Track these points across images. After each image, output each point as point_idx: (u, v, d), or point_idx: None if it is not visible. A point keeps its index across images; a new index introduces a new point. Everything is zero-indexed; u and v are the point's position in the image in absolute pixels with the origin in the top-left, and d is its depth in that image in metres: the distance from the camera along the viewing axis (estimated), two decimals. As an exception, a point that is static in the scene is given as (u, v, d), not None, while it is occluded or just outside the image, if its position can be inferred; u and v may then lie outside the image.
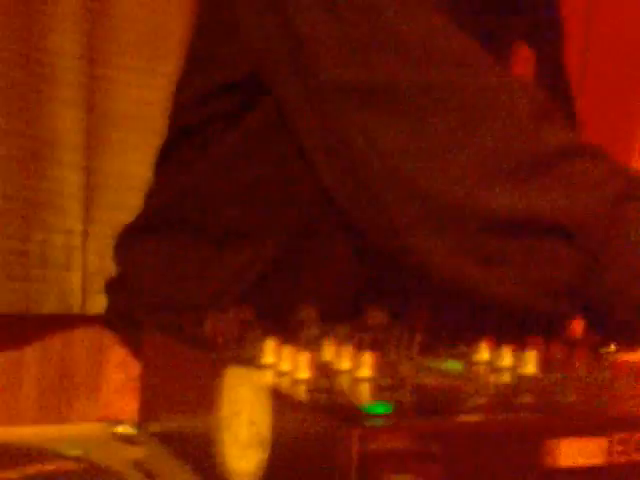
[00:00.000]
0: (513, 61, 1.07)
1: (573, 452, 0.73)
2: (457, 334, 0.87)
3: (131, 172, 1.81)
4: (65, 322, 1.82)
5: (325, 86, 0.93)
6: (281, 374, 0.76)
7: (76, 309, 1.81)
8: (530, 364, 0.82)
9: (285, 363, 0.77)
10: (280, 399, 0.72)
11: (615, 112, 1.79)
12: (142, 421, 0.92)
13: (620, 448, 0.75)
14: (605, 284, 0.90)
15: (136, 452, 0.86)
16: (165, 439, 0.88)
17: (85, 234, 1.81)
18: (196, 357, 0.85)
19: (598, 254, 0.89)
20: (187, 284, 1.05)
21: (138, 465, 0.83)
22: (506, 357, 0.84)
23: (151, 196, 1.13)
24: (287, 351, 0.77)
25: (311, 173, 1.00)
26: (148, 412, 0.92)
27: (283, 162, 1.03)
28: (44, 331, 1.80)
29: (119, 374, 1.10)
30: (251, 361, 0.79)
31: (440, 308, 0.92)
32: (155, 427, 0.90)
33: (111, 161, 1.84)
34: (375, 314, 0.93)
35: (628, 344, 0.85)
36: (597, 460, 0.74)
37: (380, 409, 0.71)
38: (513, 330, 0.83)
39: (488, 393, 0.76)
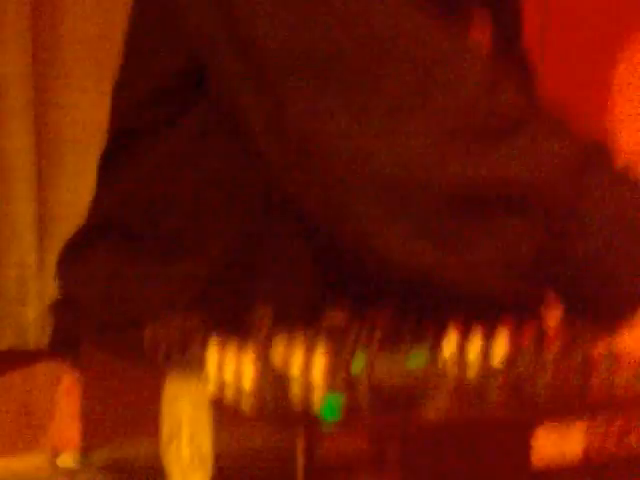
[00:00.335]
0: (471, 29, 1.01)
1: (546, 449, 0.66)
2: (421, 326, 0.80)
3: (86, 198, 1.73)
4: (24, 356, 1.74)
5: (266, 62, 0.86)
6: (224, 384, 0.68)
7: (32, 344, 1.72)
8: (499, 354, 0.75)
9: (229, 372, 0.70)
10: (221, 411, 0.65)
11: (574, 82, 1.74)
12: (86, 449, 0.84)
13: (599, 439, 0.68)
14: (573, 258, 0.83)
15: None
16: (109, 468, 0.80)
17: (40, 265, 1.74)
18: (137, 375, 0.78)
19: (565, 226, 0.82)
20: (131, 299, 0.97)
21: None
22: (473, 348, 0.77)
23: (91, 208, 1.06)
24: (231, 359, 0.69)
25: (257, 170, 0.93)
26: (92, 439, 0.84)
27: (226, 165, 0.96)
28: (3, 365, 1.72)
29: (69, 402, 1.02)
30: (192, 372, 0.71)
31: (402, 302, 0.84)
32: (99, 455, 0.83)
33: (65, 188, 1.77)
34: (334, 315, 0.86)
35: (598, 319, 0.78)
36: (574, 453, 0.67)
37: (330, 413, 0.63)
38: (481, 317, 0.76)
39: (452, 388, 0.69)
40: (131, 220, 0.99)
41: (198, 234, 0.96)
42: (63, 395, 1.03)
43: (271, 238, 0.95)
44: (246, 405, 0.64)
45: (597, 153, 0.86)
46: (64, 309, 1.06)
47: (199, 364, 0.71)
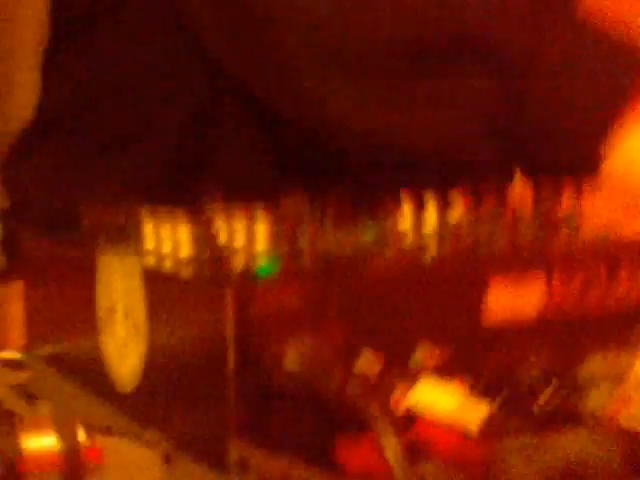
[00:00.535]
0: None
1: (504, 302, 0.62)
2: (376, 200, 0.76)
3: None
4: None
5: None
6: (162, 256, 0.64)
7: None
8: (455, 218, 0.71)
9: (167, 244, 0.65)
10: (155, 280, 0.61)
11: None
12: (30, 344, 0.80)
13: (560, 291, 0.64)
14: (531, 114, 0.78)
15: (19, 377, 0.74)
16: (52, 360, 0.76)
17: None
18: (75, 261, 0.73)
19: (522, 80, 0.77)
20: (77, 193, 0.93)
21: (20, 389, 0.71)
22: (429, 216, 0.73)
23: (37, 107, 1.01)
24: (168, 231, 0.65)
25: (201, 55, 0.88)
26: (36, 335, 0.80)
27: (169, 51, 0.90)
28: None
29: (18, 304, 0.98)
30: (128, 246, 0.67)
31: (357, 178, 0.80)
32: (44, 349, 0.79)
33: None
34: (289, 199, 0.81)
35: (560, 179, 0.73)
36: (533, 306, 0.63)
37: (267, 270, 0.59)
38: (437, 185, 0.72)
39: (400, 253, 0.65)
40: (75, 114, 0.94)
41: (145, 123, 0.91)
42: (14, 299, 0.99)
43: (220, 123, 0.90)
44: (184, 273, 0.60)
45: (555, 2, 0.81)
46: (11, 217, 1.01)
47: (135, 237, 0.66)
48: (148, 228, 0.66)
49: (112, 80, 0.93)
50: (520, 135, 0.80)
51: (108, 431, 0.61)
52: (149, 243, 0.66)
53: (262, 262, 0.59)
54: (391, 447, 0.46)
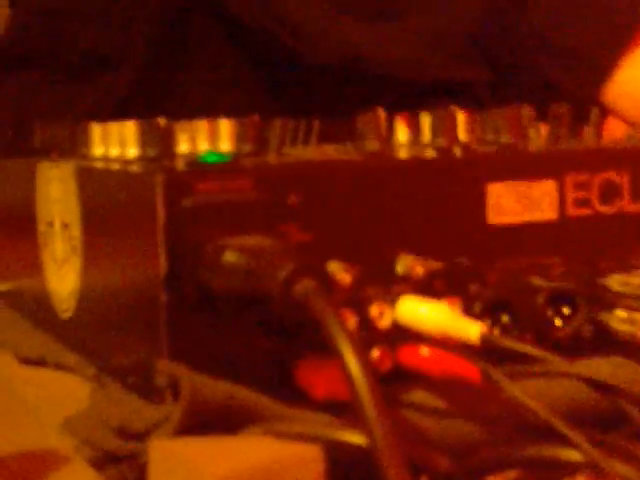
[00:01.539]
0: None
1: (507, 209, 0.51)
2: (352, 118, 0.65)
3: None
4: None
5: None
6: (110, 160, 0.54)
7: None
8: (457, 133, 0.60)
9: (114, 149, 0.55)
10: (90, 183, 0.50)
11: None
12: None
13: (575, 195, 0.53)
14: (522, 28, 0.68)
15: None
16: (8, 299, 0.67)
17: None
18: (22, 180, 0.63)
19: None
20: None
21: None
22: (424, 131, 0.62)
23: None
24: (116, 135, 0.55)
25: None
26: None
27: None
28: None
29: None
30: (75, 154, 0.57)
31: (334, 97, 0.69)
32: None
33: None
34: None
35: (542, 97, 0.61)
36: (543, 214, 0.52)
37: (216, 158, 0.49)
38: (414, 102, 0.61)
39: (379, 156, 0.54)
40: (38, 43, 0.85)
41: (114, 46, 0.81)
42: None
43: (188, 42, 0.80)
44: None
45: None
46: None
47: (83, 143, 0.56)
48: (96, 133, 0.56)
49: (75, 6, 0.84)
50: (509, 49, 0.69)
51: (42, 361, 0.51)
52: (97, 149, 0.56)
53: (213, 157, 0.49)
54: (349, 363, 0.35)
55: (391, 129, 0.59)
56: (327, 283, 0.43)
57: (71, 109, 0.81)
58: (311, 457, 0.33)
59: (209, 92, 0.79)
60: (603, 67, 0.72)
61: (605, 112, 0.73)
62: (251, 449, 0.35)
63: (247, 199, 0.43)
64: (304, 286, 0.37)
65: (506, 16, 0.71)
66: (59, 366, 0.49)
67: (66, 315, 0.52)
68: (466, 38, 0.72)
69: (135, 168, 0.46)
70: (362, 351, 0.36)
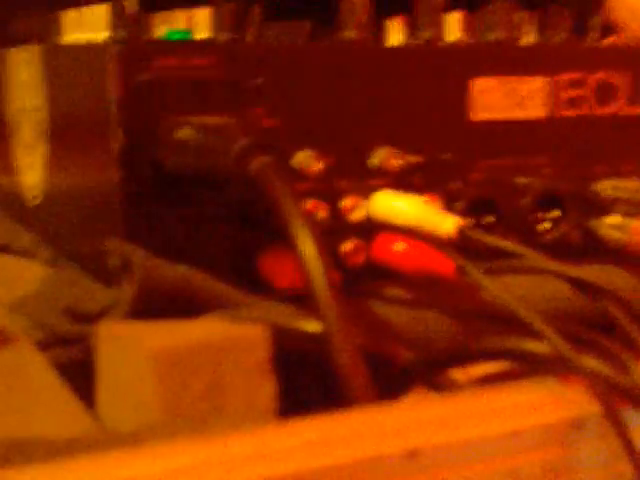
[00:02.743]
0: None
1: (493, 102, 0.47)
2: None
3: None
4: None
5: None
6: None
7: None
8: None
9: (86, 34, 0.52)
10: (55, 63, 0.47)
11: None
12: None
13: (568, 94, 0.49)
14: None
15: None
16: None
17: None
18: None
19: None
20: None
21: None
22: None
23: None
24: (87, 17, 0.52)
25: None
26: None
27: None
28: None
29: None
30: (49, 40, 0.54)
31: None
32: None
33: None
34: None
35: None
36: (531, 110, 0.48)
37: (179, 36, 0.46)
38: None
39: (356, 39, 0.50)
40: None
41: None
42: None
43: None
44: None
45: None
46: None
47: (55, 29, 0.53)
48: (69, 19, 0.53)
49: None
50: None
51: (5, 248, 0.48)
52: (70, 35, 0.52)
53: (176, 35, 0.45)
54: (306, 249, 0.32)
55: (379, 26, 0.55)
56: (290, 167, 0.41)
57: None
58: (257, 339, 0.31)
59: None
60: None
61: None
62: (196, 329, 0.32)
63: (209, 77, 0.39)
64: (258, 162, 0.34)
65: None
66: (18, 251, 0.47)
67: (34, 202, 0.49)
68: None
69: (93, 44, 0.43)
70: (316, 231, 0.33)
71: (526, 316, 0.34)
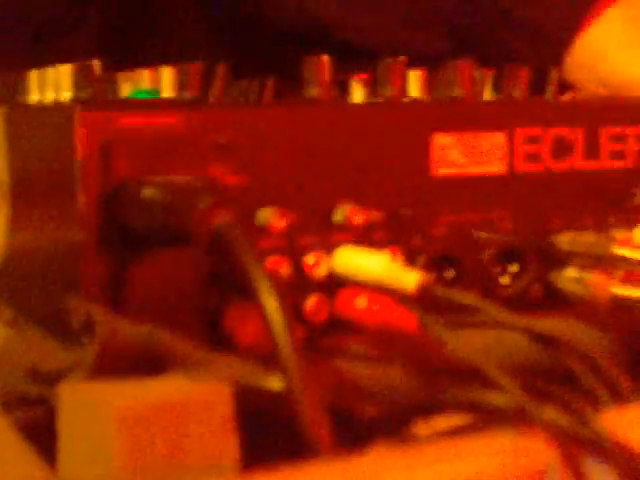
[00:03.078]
0: None
1: (453, 159, 0.48)
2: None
3: None
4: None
5: None
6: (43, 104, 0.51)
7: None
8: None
9: (50, 94, 0.52)
10: (18, 120, 0.48)
11: None
12: None
13: (525, 149, 0.50)
14: (483, 2, 0.66)
15: None
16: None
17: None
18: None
19: None
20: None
21: None
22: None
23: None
24: (51, 77, 0.52)
25: None
26: None
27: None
28: None
29: None
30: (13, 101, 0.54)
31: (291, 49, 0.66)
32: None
33: None
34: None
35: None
36: (491, 166, 0.49)
37: (144, 95, 0.46)
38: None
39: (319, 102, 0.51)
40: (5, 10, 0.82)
41: (70, 11, 0.78)
42: None
43: (156, 3, 0.77)
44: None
45: None
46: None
47: (20, 88, 0.53)
48: (33, 79, 0.53)
49: None
50: (470, 21, 0.67)
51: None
52: (34, 95, 0.53)
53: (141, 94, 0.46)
54: (269, 306, 0.33)
55: (344, 84, 0.56)
56: (253, 224, 0.41)
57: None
58: (219, 397, 0.31)
59: (170, 55, 0.76)
60: (564, 39, 0.70)
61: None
62: (160, 388, 0.32)
63: (173, 136, 0.40)
64: (221, 220, 0.35)
65: None
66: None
67: (-5, 265, 0.49)
68: (428, 8, 0.70)
69: (57, 104, 0.44)
70: (279, 289, 0.33)
71: (486, 369, 0.34)
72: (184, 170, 0.40)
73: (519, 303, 0.48)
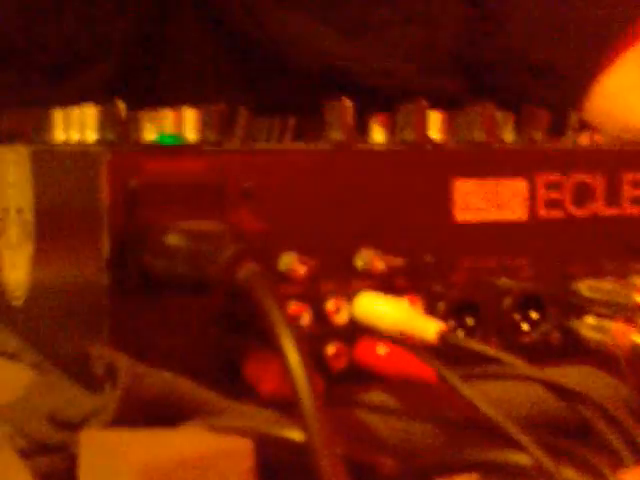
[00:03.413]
0: None
1: (474, 206, 0.48)
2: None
3: None
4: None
5: None
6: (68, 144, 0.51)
7: None
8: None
9: (74, 133, 0.53)
10: (43, 167, 0.48)
11: None
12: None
13: (547, 196, 0.50)
14: (500, 44, 0.66)
15: None
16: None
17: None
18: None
19: (486, 11, 0.65)
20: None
21: None
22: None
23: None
24: (76, 117, 0.53)
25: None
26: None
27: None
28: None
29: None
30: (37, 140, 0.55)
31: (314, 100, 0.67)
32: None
33: None
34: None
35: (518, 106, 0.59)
36: (517, 213, 0.49)
37: (169, 140, 0.47)
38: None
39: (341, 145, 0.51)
40: (17, 43, 0.82)
41: (91, 43, 0.79)
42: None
43: (174, 40, 0.77)
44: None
45: None
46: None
47: (44, 128, 0.54)
48: (58, 118, 0.54)
49: (49, 4, 0.81)
50: (488, 64, 0.67)
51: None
52: (58, 134, 0.53)
53: (166, 139, 0.46)
54: (292, 360, 0.33)
55: (363, 125, 0.57)
56: (275, 270, 0.41)
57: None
58: (240, 450, 0.31)
59: (188, 90, 0.77)
60: (583, 83, 0.70)
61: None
62: (180, 440, 0.32)
63: (198, 182, 0.40)
64: (246, 270, 0.35)
65: (485, 33, 0.69)
66: (4, 354, 0.47)
67: (17, 303, 0.50)
68: (445, 52, 0.70)
69: (84, 148, 0.44)
70: (302, 341, 0.33)
71: (505, 425, 0.34)
72: (208, 215, 0.40)
73: (539, 350, 0.48)
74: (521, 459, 0.32)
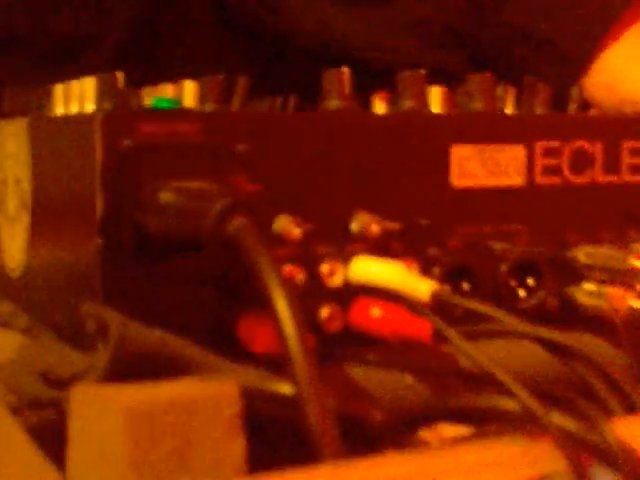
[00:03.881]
0: None
1: (471, 171, 0.48)
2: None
3: None
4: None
5: None
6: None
7: None
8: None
9: (74, 106, 0.53)
10: (40, 136, 0.48)
11: None
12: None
13: (545, 162, 0.50)
14: (501, 19, 0.66)
15: None
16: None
17: None
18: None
19: None
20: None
21: None
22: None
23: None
24: (76, 89, 0.53)
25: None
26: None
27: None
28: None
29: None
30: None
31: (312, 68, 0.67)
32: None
33: None
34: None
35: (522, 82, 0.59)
36: (515, 179, 0.49)
37: (164, 104, 0.47)
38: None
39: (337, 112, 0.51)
40: (21, 28, 0.82)
41: (93, 27, 0.79)
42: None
43: (175, 20, 0.78)
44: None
45: None
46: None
47: (45, 102, 0.54)
48: (58, 92, 0.54)
49: None
50: (489, 39, 0.67)
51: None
52: (58, 108, 0.54)
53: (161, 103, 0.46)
54: (280, 305, 0.33)
55: (365, 102, 0.57)
56: (270, 232, 0.41)
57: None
58: (227, 395, 0.31)
59: (188, 68, 0.77)
60: (583, 58, 0.70)
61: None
62: (167, 388, 0.32)
63: (192, 144, 0.40)
64: (237, 223, 0.35)
65: (485, 7, 0.69)
66: None
67: (15, 274, 0.50)
68: (446, 28, 0.70)
69: (79, 114, 0.44)
70: (292, 293, 0.33)
71: (497, 373, 0.34)
72: (202, 177, 0.40)
73: (536, 317, 0.47)
74: (510, 405, 0.32)
